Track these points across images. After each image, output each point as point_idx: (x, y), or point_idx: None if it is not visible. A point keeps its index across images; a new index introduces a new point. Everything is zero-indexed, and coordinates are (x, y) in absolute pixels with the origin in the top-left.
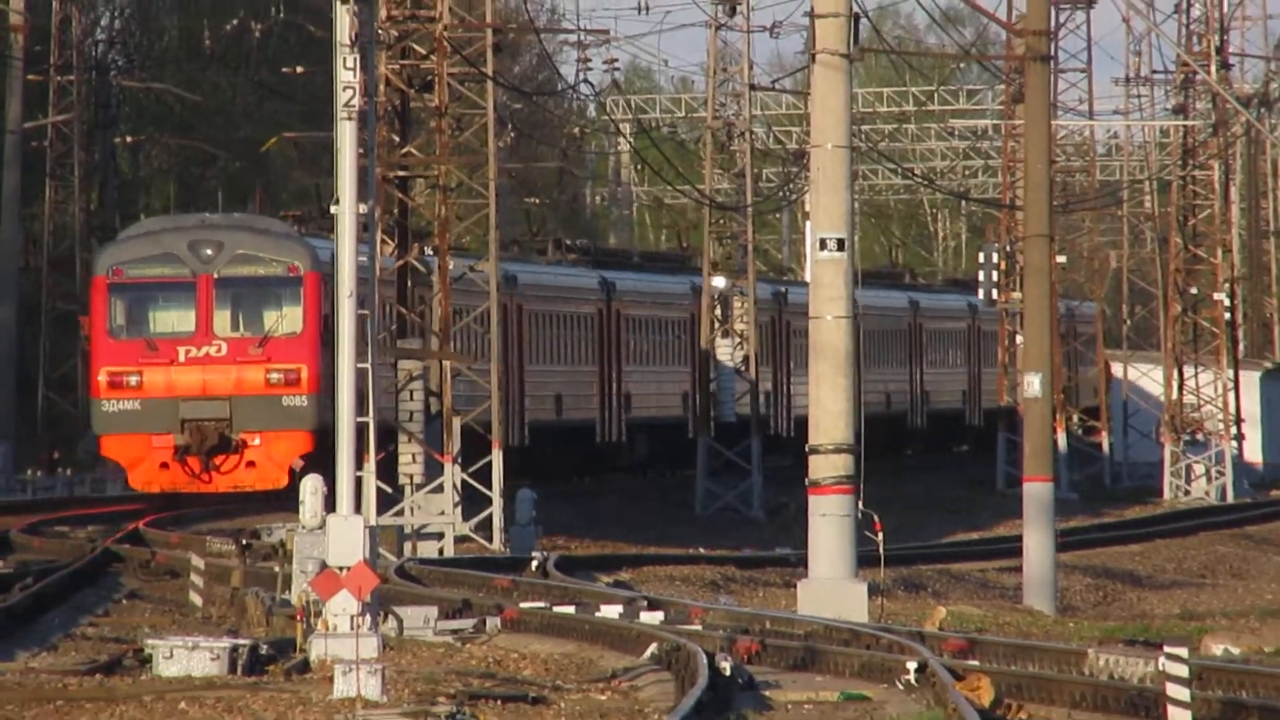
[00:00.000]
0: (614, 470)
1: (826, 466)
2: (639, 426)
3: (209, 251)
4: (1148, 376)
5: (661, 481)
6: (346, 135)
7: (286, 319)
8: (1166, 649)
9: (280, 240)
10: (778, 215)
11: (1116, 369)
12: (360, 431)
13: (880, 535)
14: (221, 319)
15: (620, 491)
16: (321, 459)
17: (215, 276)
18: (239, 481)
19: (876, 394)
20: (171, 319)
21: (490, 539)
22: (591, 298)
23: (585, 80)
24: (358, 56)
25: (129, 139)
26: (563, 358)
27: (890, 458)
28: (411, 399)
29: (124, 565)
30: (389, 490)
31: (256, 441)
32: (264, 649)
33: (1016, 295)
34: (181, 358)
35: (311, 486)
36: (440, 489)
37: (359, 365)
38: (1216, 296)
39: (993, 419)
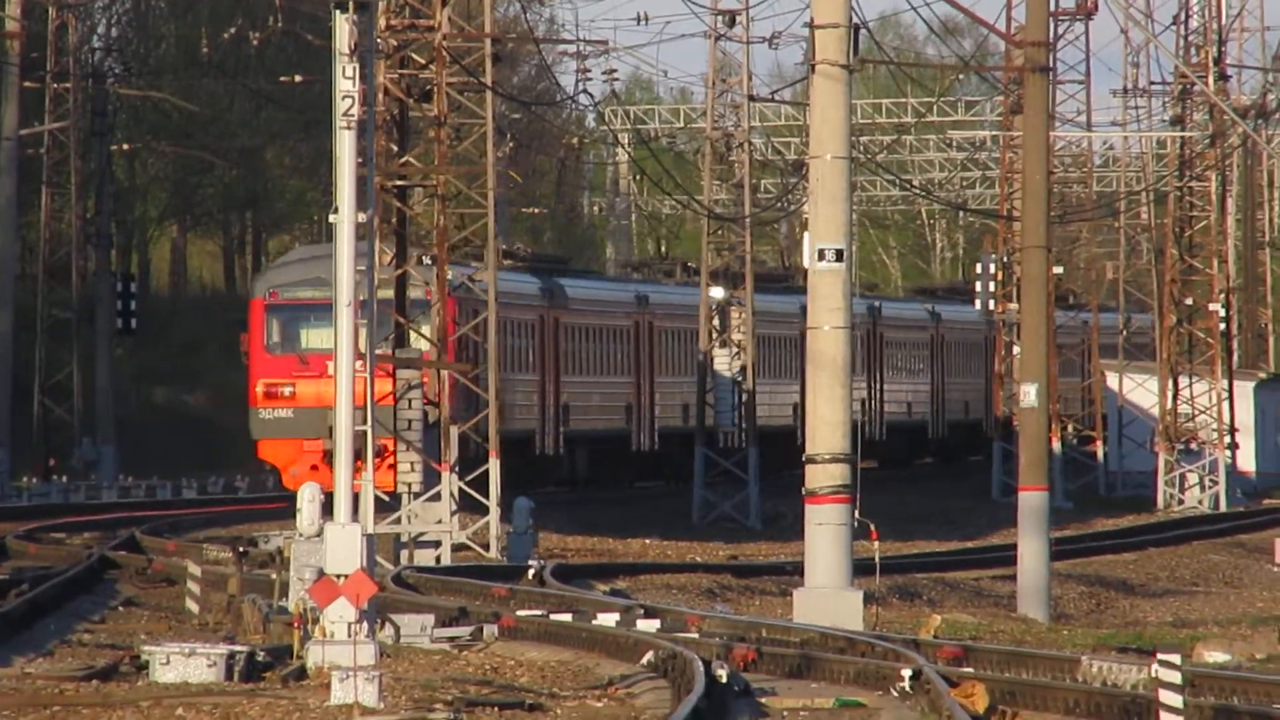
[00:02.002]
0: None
1: (823, 476)
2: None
3: None
4: (1142, 387)
5: (662, 490)
6: (345, 144)
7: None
8: (1160, 656)
9: (417, 267)
10: (776, 226)
11: (1111, 379)
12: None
13: (876, 544)
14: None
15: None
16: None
17: (361, 299)
18: (380, 483)
19: (957, 402)
20: (322, 336)
21: (488, 547)
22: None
23: (584, 91)
24: (357, 66)
25: (125, 147)
26: (690, 369)
27: (966, 460)
28: (410, 408)
29: (121, 572)
30: (386, 498)
31: None
32: (261, 656)
33: (1013, 306)
34: (330, 371)
35: (309, 494)
36: (438, 497)
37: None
38: (1212, 307)
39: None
